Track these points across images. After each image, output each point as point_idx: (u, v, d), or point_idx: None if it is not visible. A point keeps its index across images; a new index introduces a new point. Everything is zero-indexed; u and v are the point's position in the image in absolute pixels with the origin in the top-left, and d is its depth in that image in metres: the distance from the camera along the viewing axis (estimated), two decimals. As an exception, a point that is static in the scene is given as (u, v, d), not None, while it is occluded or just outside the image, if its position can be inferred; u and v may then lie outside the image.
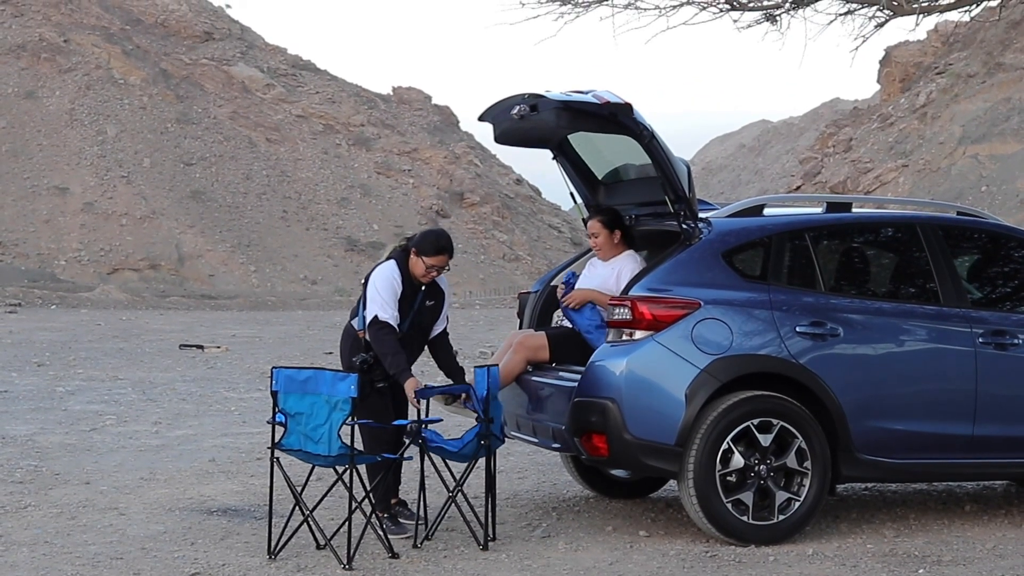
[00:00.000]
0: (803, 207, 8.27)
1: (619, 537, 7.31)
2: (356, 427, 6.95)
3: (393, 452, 7.14)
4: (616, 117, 7.13)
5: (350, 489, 6.67)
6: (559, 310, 8.15)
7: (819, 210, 7.91)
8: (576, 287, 7.99)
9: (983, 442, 7.48)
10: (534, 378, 7.75)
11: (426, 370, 17.17)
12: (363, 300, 7.39)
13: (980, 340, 7.49)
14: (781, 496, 7.04)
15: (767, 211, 7.77)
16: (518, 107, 7.42)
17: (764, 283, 7.30)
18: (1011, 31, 61.40)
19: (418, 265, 7.34)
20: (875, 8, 13.65)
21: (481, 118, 8.00)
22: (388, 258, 7.46)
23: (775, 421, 7.01)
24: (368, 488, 6.97)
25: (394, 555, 6.78)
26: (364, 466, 7.05)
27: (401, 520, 7.35)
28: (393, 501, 7.44)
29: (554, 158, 8.30)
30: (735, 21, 13.89)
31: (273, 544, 6.82)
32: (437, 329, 7.60)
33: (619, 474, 8.41)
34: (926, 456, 7.41)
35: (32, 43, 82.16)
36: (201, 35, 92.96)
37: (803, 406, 7.09)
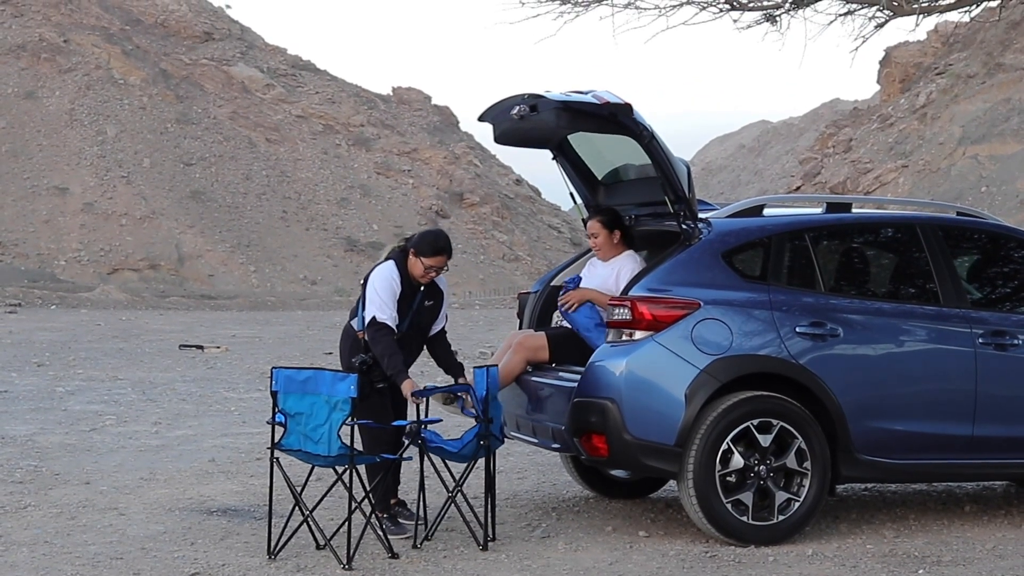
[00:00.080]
0: (803, 207, 8.27)
1: (619, 537, 7.31)
2: (356, 427, 6.95)
3: (392, 452, 7.14)
4: (616, 117, 7.13)
5: (350, 489, 6.67)
6: (558, 311, 8.14)
7: (819, 210, 7.91)
8: (580, 288, 7.99)
9: (983, 442, 7.48)
10: (534, 378, 7.75)
11: (426, 370, 17.16)
12: (362, 300, 7.39)
13: (980, 340, 7.49)
14: (781, 496, 7.04)
15: (767, 211, 7.77)
16: (518, 107, 7.42)
17: (764, 283, 7.30)
18: (1011, 31, 61.41)
19: (417, 266, 7.34)
20: (875, 8, 13.66)
21: (481, 118, 8.00)
22: (387, 259, 7.46)
23: (775, 421, 7.01)
24: (368, 488, 6.97)
25: (394, 555, 6.78)
26: (364, 466, 7.05)
27: (401, 520, 7.35)
28: (392, 501, 7.44)
29: (554, 158, 8.30)
30: (735, 21, 13.91)
31: (273, 544, 6.82)
32: (435, 328, 7.60)
33: (619, 474, 8.41)
34: (926, 456, 7.41)
35: (32, 43, 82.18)
36: (201, 35, 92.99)
37: (803, 406, 7.09)
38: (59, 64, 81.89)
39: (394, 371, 7.10)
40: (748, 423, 6.97)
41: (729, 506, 6.96)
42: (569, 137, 8.07)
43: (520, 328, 8.46)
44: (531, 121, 7.45)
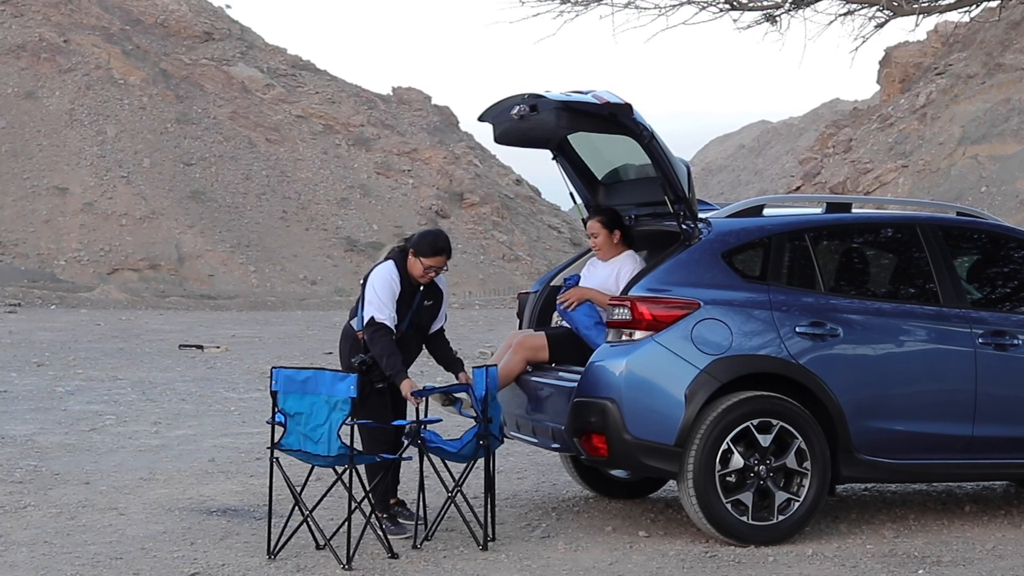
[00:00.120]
0: (803, 207, 8.27)
1: (619, 537, 7.31)
2: (355, 427, 6.95)
3: (392, 452, 7.14)
4: (616, 117, 7.13)
5: (349, 489, 6.67)
6: (557, 310, 8.13)
7: (819, 210, 7.91)
8: (580, 286, 7.99)
9: (983, 442, 7.47)
10: (533, 378, 7.75)
11: (426, 370, 17.15)
12: (362, 300, 7.39)
13: (980, 340, 7.48)
14: (781, 496, 7.03)
15: (767, 211, 7.77)
16: (518, 107, 7.41)
17: (764, 283, 7.30)
18: (1011, 32, 61.41)
19: (416, 266, 7.34)
20: (875, 8, 13.67)
21: (481, 118, 7.99)
22: (386, 259, 7.46)
23: (775, 421, 7.00)
24: (367, 488, 6.97)
25: (393, 555, 6.78)
26: (363, 466, 7.05)
27: (400, 520, 7.35)
28: (392, 501, 7.44)
29: (554, 158, 8.30)
30: (735, 21, 13.92)
31: (273, 544, 6.81)
32: (434, 327, 7.61)
33: (619, 474, 8.41)
34: (926, 456, 7.40)
35: (32, 43, 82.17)
36: (201, 35, 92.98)
37: (803, 406, 7.09)
38: (59, 64, 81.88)
39: (393, 371, 7.10)
40: (748, 423, 6.97)
41: (729, 506, 6.96)
42: (569, 137, 8.07)
43: (520, 328, 8.46)
44: (531, 121, 7.45)
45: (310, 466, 7.04)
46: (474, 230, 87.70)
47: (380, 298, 7.24)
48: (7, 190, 73.66)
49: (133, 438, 11.30)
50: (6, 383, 16.21)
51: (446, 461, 7.38)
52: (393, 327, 7.24)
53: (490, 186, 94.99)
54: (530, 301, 8.50)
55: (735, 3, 13.75)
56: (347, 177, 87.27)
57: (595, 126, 7.43)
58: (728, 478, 6.96)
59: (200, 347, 24.04)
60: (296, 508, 6.92)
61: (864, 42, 14.25)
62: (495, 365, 7.47)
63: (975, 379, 7.43)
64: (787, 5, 13.88)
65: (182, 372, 18.56)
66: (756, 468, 6.98)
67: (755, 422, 6.98)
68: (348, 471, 6.71)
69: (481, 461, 7.24)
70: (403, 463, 7.43)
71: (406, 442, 7.14)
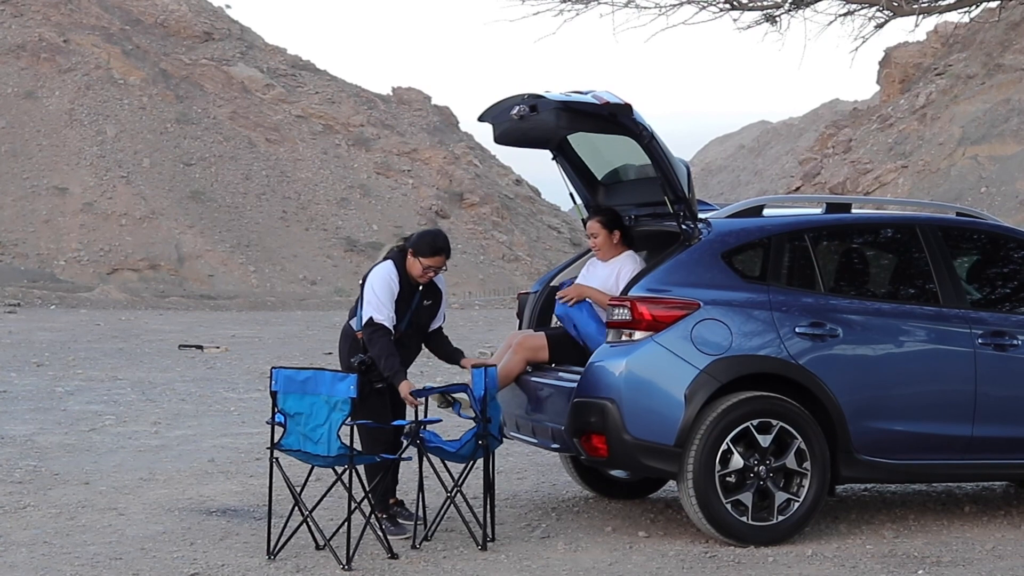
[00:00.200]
0: (803, 208, 8.27)
1: (618, 538, 7.31)
2: (354, 427, 6.95)
3: (391, 452, 7.14)
4: (616, 117, 7.12)
5: (349, 490, 6.67)
6: (556, 313, 8.13)
7: (819, 211, 7.91)
8: (575, 284, 8.00)
9: (982, 443, 7.47)
10: (533, 379, 7.75)
11: (426, 370, 17.15)
12: (361, 300, 7.39)
13: (979, 341, 7.48)
14: (780, 497, 7.03)
15: (767, 212, 7.77)
16: (518, 107, 7.41)
17: (764, 284, 7.30)
18: (1011, 32, 61.44)
19: (415, 266, 7.34)
20: (875, 9, 13.68)
21: (481, 118, 7.99)
22: (385, 258, 7.46)
23: (774, 422, 7.00)
24: (367, 489, 6.97)
25: (393, 556, 6.78)
26: (363, 466, 7.05)
27: (400, 520, 7.35)
28: (391, 501, 7.44)
29: (554, 158, 8.30)
30: (735, 21, 13.92)
31: (272, 544, 6.81)
32: (433, 326, 7.62)
33: (618, 475, 8.41)
34: (925, 457, 7.40)
35: (32, 43, 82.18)
36: (201, 35, 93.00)
37: (802, 407, 7.09)
38: (59, 64, 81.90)
39: (391, 372, 7.10)
40: (748, 423, 6.97)
41: (729, 506, 6.96)
42: (569, 137, 8.07)
43: (520, 328, 8.46)
44: (531, 121, 7.45)
45: (310, 466, 7.04)
46: (474, 230, 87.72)
47: (379, 298, 7.24)
48: (7, 190, 73.66)
49: (133, 438, 11.29)
50: (6, 383, 16.21)
51: (445, 461, 7.38)
52: (392, 327, 7.24)
53: (490, 186, 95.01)
54: (530, 301, 8.50)
55: (735, 3, 13.76)
56: (347, 177, 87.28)
57: (595, 126, 7.43)
58: (728, 478, 6.96)
59: (200, 347, 24.04)
60: (296, 508, 6.92)
61: (864, 42, 14.28)
62: (494, 365, 7.48)
63: (975, 379, 7.43)
64: (787, 5, 13.88)
65: (182, 372, 18.56)
66: (756, 468, 6.98)
67: (755, 422, 6.98)
68: (348, 471, 6.71)
69: (480, 461, 7.24)
70: (402, 463, 7.43)
71: (405, 442, 7.14)
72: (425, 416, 7.25)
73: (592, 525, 7.67)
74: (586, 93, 7.17)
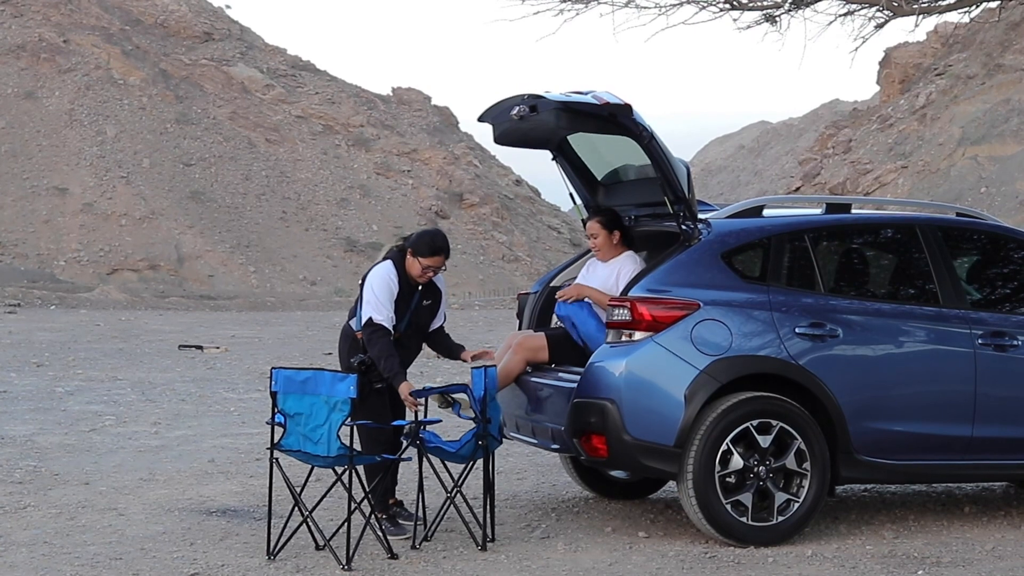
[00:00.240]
0: (802, 208, 8.27)
1: (618, 538, 7.31)
2: (354, 428, 6.95)
3: (391, 453, 7.14)
4: (615, 118, 7.13)
5: (349, 490, 6.67)
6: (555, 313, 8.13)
7: (818, 211, 7.92)
8: (575, 283, 8.00)
9: (982, 443, 7.47)
10: (533, 379, 7.75)
11: (425, 371, 17.16)
12: (360, 301, 7.39)
13: (979, 341, 7.48)
14: (780, 497, 7.04)
15: (766, 212, 7.77)
16: (518, 108, 7.42)
17: (763, 284, 7.30)
18: (1010, 32, 61.43)
19: (414, 266, 7.34)
20: (875, 9, 13.69)
21: (481, 119, 8.00)
22: (384, 258, 7.46)
23: (774, 422, 7.00)
24: (367, 489, 6.97)
25: (393, 556, 6.78)
26: (363, 467, 7.05)
27: (400, 521, 7.35)
28: (390, 502, 7.44)
29: (553, 159, 8.30)
30: (735, 21, 13.94)
31: (272, 545, 6.81)
32: (434, 326, 7.62)
33: (618, 475, 8.41)
34: (925, 457, 7.40)
35: (32, 43, 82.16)
36: (201, 35, 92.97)
37: (802, 407, 7.09)
38: (59, 64, 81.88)
39: (391, 373, 7.10)
40: (748, 424, 6.97)
41: (728, 507, 6.96)
42: (569, 138, 8.07)
43: (520, 329, 8.46)
44: (531, 121, 7.45)
45: (310, 467, 7.04)
46: (474, 231, 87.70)
47: (378, 298, 7.24)
48: (7, 190, 73.66)
49: (133, 438, 11.29)
50: (6, 383, 16.21)
51: (445, 462, 7.38)
52: (391, 327, 7.24)
53: (490, 187, 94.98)
54: (530, 302, 8.50)
55: (735, 3, 13.77)
56: (347, 177, 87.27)
57: (595, 127, 7.43)
58: (728, 479, 6.96)
59: (200, 347, 24.04)
60: (296, 509, 6.92)
61: (864, 42, 14.30)
62: (494, 366, 7.48)
63: (974, 380, 7.43)
64: (787, 5, 13.89)
65: (182, 372, 18.56)
66: (756, 469, 6.98)
67: (755, 423, 6.98)
68: (348, 472, 6.71)
69: (480, 461, 7.24)
70: (402, 463, 7.43)
71: (405, 443, 7.14)
72: (425, 416, 7.25)
73: (592, 525, 7.67)
74: (586, 93, 7.18)
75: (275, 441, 6.85)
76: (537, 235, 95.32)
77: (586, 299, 7.79)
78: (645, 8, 13.67)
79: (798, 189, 64.50)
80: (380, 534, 6.85)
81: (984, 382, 7.45)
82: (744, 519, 6.98)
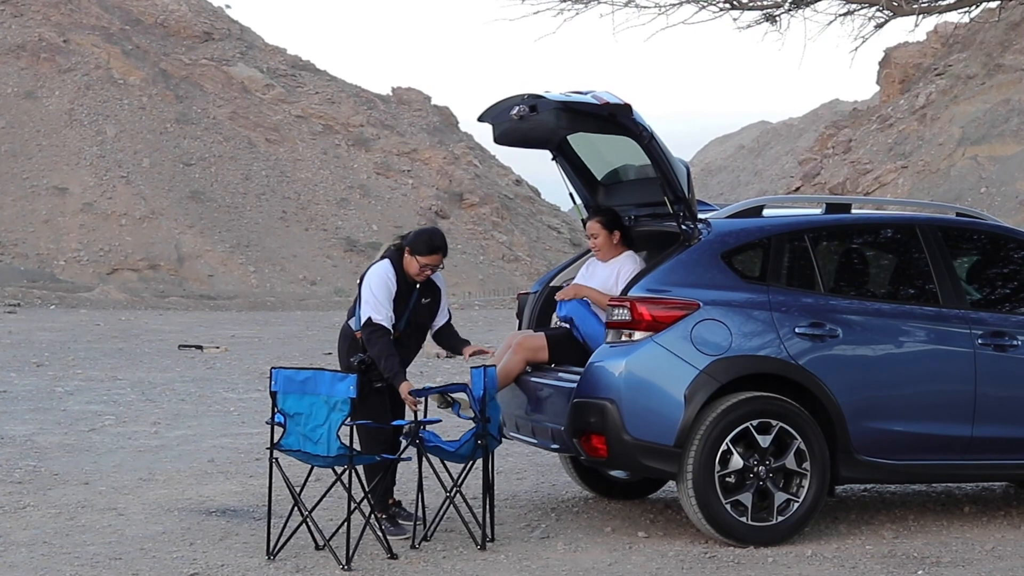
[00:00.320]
0: (802, 208, 8.27)
1: (618, 538, 7.31)
2: (354, 427, 6.95)
3: (390, 452, 7.14)
4: (615, 118, 7.13)
5: (349, 490, 6.67)
6: (557, 311, 8.13)
7: (818, 211, 7.91)
8: (573, 283, 8.01)
9: (982, 443, 7.47)
10: (533, 379, 7.75)
11: (425, 371, 17.16)
12: (359, 300, 7.39)
13: (979, 341, 7.48)
14: (780, 497, 7.03)
15: (766, 212, 7.77)
16: (517, 108, 7.41)
17: (763, 284, 7.30)
18: (1010, 32, 61.43)
19: (412, 264, 7.34)
20: (875, 8, 13.69)
21: (480, 119, 7.99)
22: (382, 257, 7.46)
23: (774, 422, 7.00)
24: (367, 489, 6.97)
25: (393, 556, 6.78)
26: (362, 467, 7.05)
27: (400, 521, 7.34)
28: (389, 501, 7.44)
29: (553, 159, 8.30)
30: (735, 20, 13.93)
31: (272, 545, 6.81)
32: (440, 322, 7.62)
33: (618, 475, 8.41)
34: (925, 457, 7.40)
35: (32, 43, 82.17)
36: (201, 35, 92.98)
37: (802, 407, 7.09)
38: (59, 64, 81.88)
39: (391, 373, 7.10)
40: (747, 424, 6.97)
41: (728, 507, 6.96)
42: (569, 137, 8.07)
43: (519, 328, 8.46)
44: (531, 121, 7.45)
45: (309, 466, 7.04)
46: (474, 230, 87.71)
47: (377, 297, 7.24)
48: (7, 190, 73.66)
49: (132, 438, 11.29)
50: (5, 383, 16.20)
51: (445, 461, 7.38)
52: (390, 327, 7.24)
53: (490, 186, 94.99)
54: (530, 302, 8.50)
55: (735, 2, 13.77)
56: (347, 177, 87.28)
57: (595, 126, 7.43)
58: (727, 479, 6.96)
59: (200, 347, 24.03)
60: (295, 508, 6.92)
61: (864, 42, 14.30)
62: (493, 365, 7.48)
63: (974, 380, 7.43)
64: (787, 5, 13.89)
65: (181, 372, 18.56)
66: (755, 469, 6.98)
67: (754, 423, 6.98)
68: (347, 472, 6.71)
69: (480, 461, 7.24)
70: (401, 463, 7.42)
71: (404, 442, 7.14)
72: (424, 416, 7.25)
73: (592, 525, 7.66)
74: (586, 93, 7.18)
75: (275, 441, 6.85)
76: (537, 235, 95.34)
77: (584, 298, 7.80)
78: (645, 8, 13.67)
79: (798, 189, 64.51)
80: (380, 534, 6.85)
81: (984, 382, 7.45)
82: (744, 519, 6.98)
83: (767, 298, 7.21)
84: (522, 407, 7.79)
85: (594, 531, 7.50)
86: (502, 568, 6.64)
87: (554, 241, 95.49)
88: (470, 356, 7.54)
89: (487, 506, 7.16)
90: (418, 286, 7.43)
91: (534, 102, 7.34)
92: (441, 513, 7.24)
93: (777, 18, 13.91)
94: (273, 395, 6.79)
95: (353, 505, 6.66)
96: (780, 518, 7.03)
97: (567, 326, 7.91)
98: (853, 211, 8.04)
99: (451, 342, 7.68)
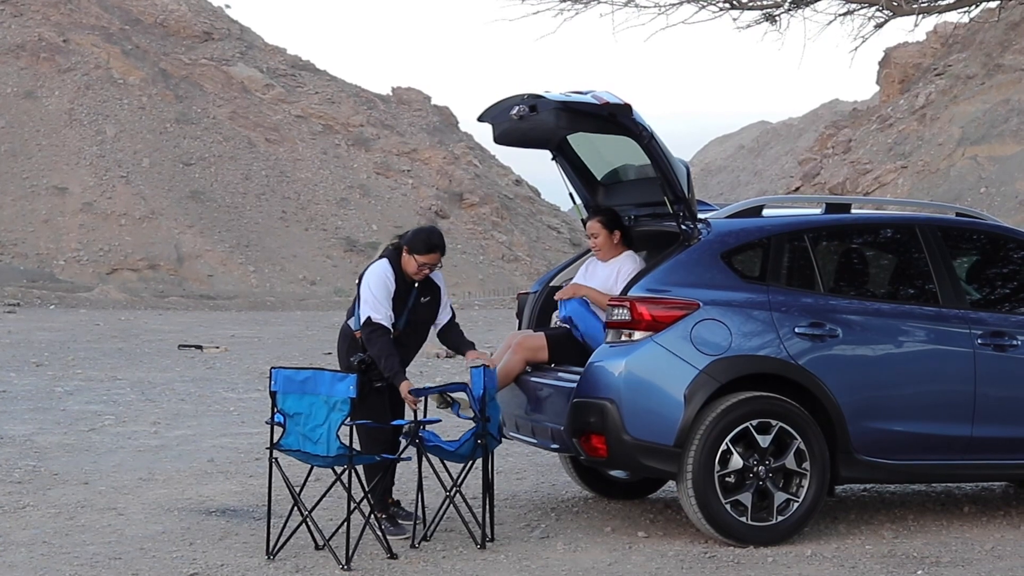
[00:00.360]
0: (802, 208, 8.27)
1: (618, 538, 7.31)
2: (354, 427, 6.94)
3: (389, 452, 7.13)
4: (615, 118, 7.13)
5: (348, 490, 6.67)
6: (557, 311, 8.13)
7: (818, 211, 7.91)
8: (572, 283, 8.01)
9: (982, 443, 7.47)
10: (533, 379, 7.75)
11: (425, 370, 17.17)
12: (358, 300, 7.39)
13: (979, 341, 7.48)
14: (780, 497, 7.03)
15: (766, 212, 7.77)
16: (517, 108, 7.42)
17: (763, 284, 7.30)
18: (1010, 32, 61.43)
19: (410, 263, 7.34)
20: (874, 8, 13.68)
21: (480, 119, 7.99)
22: (381, 256, 7.46)
23: (774, 422, 7.00)
24: (366, 489, 6.97)
25: (392, 556, 6.77)
26: (362, 466, 7.05)
27: (399, 521, 7.34)
28: (388, 501, 7.44)
29: (553, 159, 8.30)
30: (734, 20, 13.93)
31: (272, 544, 6.81)
32: (443, 320, 7.61)
33: (618, 475, 8.41)
34: (925, 457, 7.40)
35: (31, 43, 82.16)
36: (200, 35, 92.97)
37: (802, 407, 7.09)
38: (58, 64, 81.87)
39: (391, 372, 7.10)
40: (747, 424, 6.97)
41: (728, 507, 6.96)
42: (568, 137, 8.07)
43: (519, 328, 8.46)
44: (530, 121, 7.45)
45: (309, 466, 7.04)
46: (473, 230, 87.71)
47: (375, 296, 7.24)
48: (6, 190, 73.65)
49: (132, 438, 11.29)
50: (5, 383, 16.20)
51: (444, 461, 7.38)
52: (390, 326, 7.24)
53: (490, 186, 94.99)
54: (529, 301, 8.50)
55: (735, 2, 13.77)
56: (347, 177, 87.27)
57: (594, 126, 7.43)
58: (727, 479, 6.96)
59: (199, 347, 24.03)
60: (295, 508, 6.92)
61: (863, 42, 14.29)
62: (494, 368, 7.47)
63: (974, 380, 7.43)
64: (786, 4, 13.89)
65: (181, 372, 18.56)
66: (755, 469, 6.98)
67: (754, 423, 6.98)
68: (347, 471, 6.71)
69: (480, 461, 7.23)
70: (401, 463, 7.42)
71: (404, 442, 7.14)
72: (424, 416, 7.25)
73: (591, 525, 7.66)
74: (586, 93, 7.18)
75: (274, 441, 6.85)
76: (537, 235, 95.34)
77: (583, 297, 7.80)
78: (644, 7, 13.67)
79: (798, 189, 64.51)
80: (379, 534, 6.85)
81: (984, 382, 7.45)
82: (744, 519, 6.98)
83: (767, 298, 7.21)
84: (522, 407, 7.79)
85: (594, 531, 7.50)
86: (502, 568, 6.64)
87: (554, 241, 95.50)
88: (470, 360, 7.50)
89: (487, 506, 7.16)
90: (417, 285, 7.43)
91: (534, 102, 7.34)
92: (441, 513, 7.24)
93: (777, 18, 13.91)
94: (273, 395, 6.79)
95: (353, 505, 6.66)
96: (780, 518, 7.03)
97: (567, 326, 7.91)
98: (853, 211, 8.04)
99: (455, 343, 7.66)
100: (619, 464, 7.32)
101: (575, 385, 7.19)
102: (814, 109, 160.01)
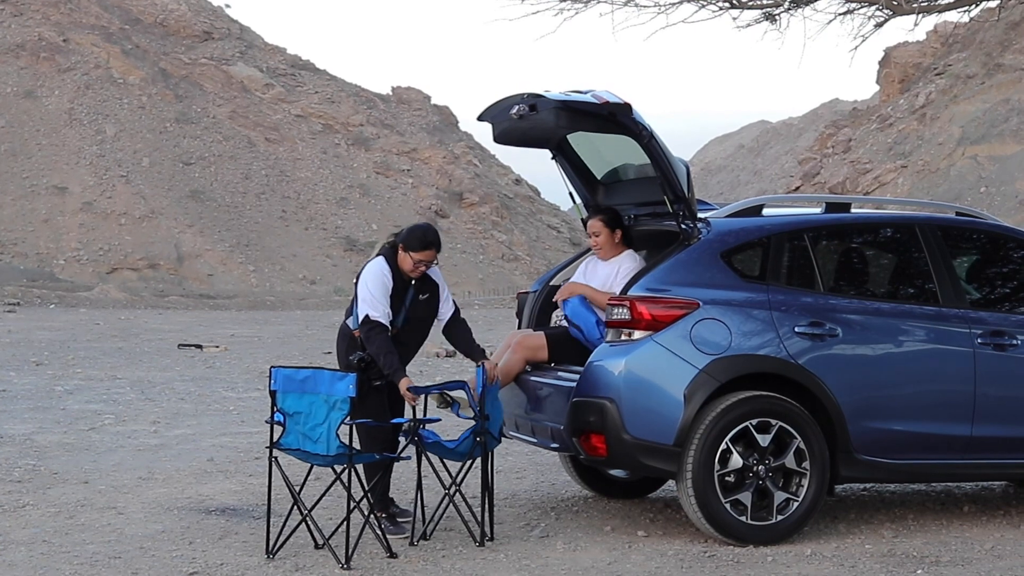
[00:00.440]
0: (802, 207, 8.27)
1: (617, 537, 7.31)
2: (353, 426, 6.94)
3: (389, 451, 7.13)
4: (615, 117, 7.12)
5: (348, 489, 6.67)
6: (557, 310, 8.14)
7: (818, 210, 7.91)
8: (569, 282, 8.01)
9: (982, 443, 7.47)
10: (533, 378, 7.74)
11: (425, 369, 17.17)
12: (356, 299, 7.39)
13: (979, 341, 7.48)
14: (779, 496, 7.03)
15: (766, 211, 7.77)
16: (517, 107, 7.41)
17: (763, 283, 7.29)
18: (1010, 32, 61.44)
19: (406, 260, 7.34)
20: (874, 8, 13.68)
21: (480, 118, 7.99)
22: (377, 255, 7.46)
23: (774, 421, 7.00)
24: (366, 488, 6.97)
25: (392, 555, 6.77)
26: (362, 465, 7.05)
27: (399, 520, 7.34)
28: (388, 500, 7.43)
29: (553, 158, 8.29)
30: (734, 19, 13.92)
31: (271, 544, 6.81)
32: (446, 315, 7.59)
33: (618, 474, 8.40)
34: (925, 457, 7.40)
35: (31, 42, 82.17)
36: (200, 35, 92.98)
37: (802, 406, 7.09)
38: (58, 63, 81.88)
39: (390, 369, 7.10)
40: (747, 423, 6.96)
41: (728, 506, 6.95)
42: (568, 137, 8.06)
43: (519, 328, 8.46)
44: (530, 121, 7.45)
45: (309, 465, 7.04)
46: (473, 230, 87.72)
47: (373, 295, 7.24)
48: (6, 189, 73.66)
49: (132, 437, 11.29)
50: (5, 382, 16.21)
51: (444, 459, 7.38)
52: (388, 324, 7.24)
53: (489, 186, 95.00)
54: (529, 301, 8.50)
55: (734, 1, 13.76)
56: (346, 177, 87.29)
57: (594, 126, 7.43)
58: (727, 478, 6.96)
59: (199, 346, 24.03)
60: (295, 507, 6.91)
61: (863, 41, 14.29)
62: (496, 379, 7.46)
63: (974, 379, 7.43)
64: (786, 4, 13.88)
65: (181, 371, 18.56)
66: (755, 468, 6.98)
67: (754, 422, 6.97)
68: (347, 471, 6.71)
69: (479, 460, 7.23)
70: (400, 462, 7.42)
71: (404, 440, 7.13)
72: (424, 414, 7.24)
73: (591, 524, 7.66)
74: (585, 92, 7.17)
75: (274, 440, 6.85)
76: (537, 234, 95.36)
77: (581, 295, 7.80)
78: (644, 7, 13.67)
79: (798, 188, 64.52)
80: (379, 533, 6.85)
81: (983, 381, 7.45)
82: (743, 518, 6.97)
83: (767, 297, 7.21)
84: (522, 406, 7.79)
85: (593, 530, 7.50)
86: (501, 567, 6.63)
87: (554, 240, 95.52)
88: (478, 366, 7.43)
89: (486, 505, 7.16)
90: (414, 282, 7.43)
91: (534, 101, 7.34)
92: (440, 512, 7.24)
93: (777, 17, 13.90)
94: (272, 394, 6.79)
95: (352, 504, 6.66)
96: (779, 517, 7.03)
97: (566, 325, 7.91)
98: (853, 210, 8.03)
99: (466, 346, 7.54)
100: (619, 463, 7.31)
101: (575, 384, 7.19)
102: (814, 108, 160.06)
